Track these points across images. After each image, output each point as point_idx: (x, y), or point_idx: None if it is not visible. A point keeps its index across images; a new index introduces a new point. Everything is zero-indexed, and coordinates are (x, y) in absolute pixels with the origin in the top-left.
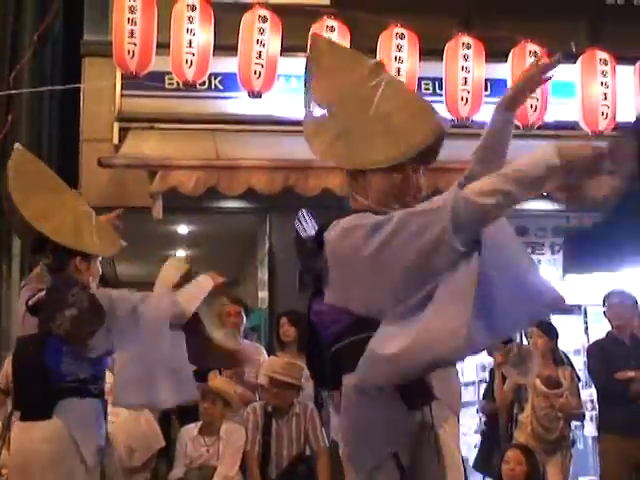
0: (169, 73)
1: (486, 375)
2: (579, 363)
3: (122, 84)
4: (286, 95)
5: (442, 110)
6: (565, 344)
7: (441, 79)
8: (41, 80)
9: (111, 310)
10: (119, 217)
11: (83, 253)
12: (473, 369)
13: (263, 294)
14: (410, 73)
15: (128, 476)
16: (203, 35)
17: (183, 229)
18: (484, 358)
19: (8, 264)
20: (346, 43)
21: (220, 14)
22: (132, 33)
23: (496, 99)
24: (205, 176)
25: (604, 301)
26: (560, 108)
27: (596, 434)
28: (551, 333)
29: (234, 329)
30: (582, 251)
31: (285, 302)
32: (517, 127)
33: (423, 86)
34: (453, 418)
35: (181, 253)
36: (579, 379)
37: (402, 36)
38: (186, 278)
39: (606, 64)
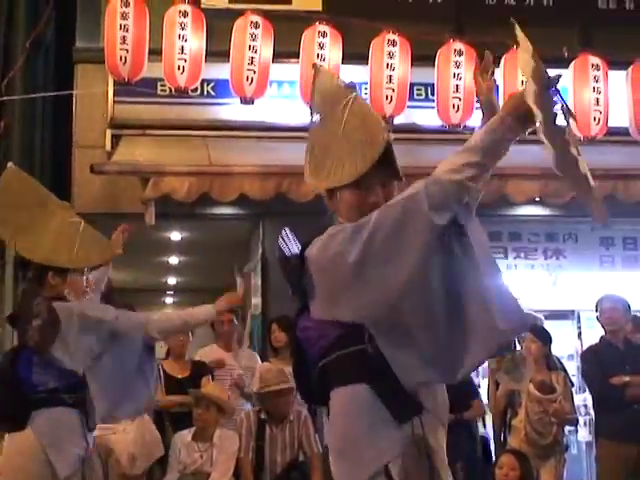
0: (161, 79)
1: (479, 381)
2: (572, 368)
3: (114, 91)
4: (278, 101)
5: (434, 116)
6: (558, 349)
7: (433, 85)
8: (34, 87)
9: (70, 324)
10: (125, 231)
11: (56, 268)
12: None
13: (256, 300)
14: (402, 79)
15: None
16: (195, 41)
17: (176, 235)
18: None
19: (2, 270)
20: (338, 49)
21: (212, 20)
22: (124, 40)
23: None
24: (198, 182)
25: (597, 306)
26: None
27: (590, 439)
28: (544, 338)
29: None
30: None
31: (278, 308)
32: None
33: (415, 92)
34: (442, 429)
35: (174, 260)
36: (572, 384)
37: (394, 42)
38: None
39: (598, 69)
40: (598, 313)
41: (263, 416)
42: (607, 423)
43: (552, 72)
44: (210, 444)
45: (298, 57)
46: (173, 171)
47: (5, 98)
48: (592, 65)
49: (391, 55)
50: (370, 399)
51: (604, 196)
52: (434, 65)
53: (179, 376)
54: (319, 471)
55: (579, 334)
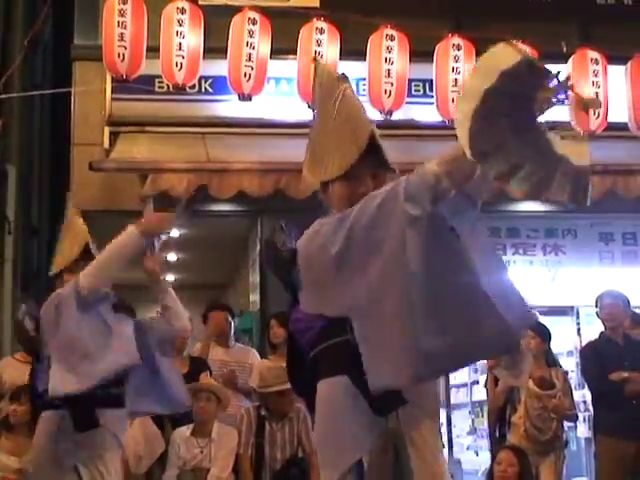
0: (159, 76)
1: (478, 377)
2: (572, 364)
3: (112, 88)
4: (276, 97)
5: (432, 112)
6: (557, 345)
7: (431, 81)
8: (32, 85)
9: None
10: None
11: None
12: (465, 371)
13: (254, 297)
14: (400, 75)
15: None
16: (193, 38)
17: (174, 232)
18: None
19: (0, 268)
20: (336, 45)
21: (210, 17)
22: (122, 37)
23: None
24: (196, 179)
25: (596, 302)
26: (552, 108)
27: (589, 435)
28: (544, 334)
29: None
30: None
31: (276, 304)
32: None
33: (413, 88)
34: (429, 421)
35: (172, 257)
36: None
37: (392, 37)
38: None
39: (597, 64)
40: (598, 309)
41: (263, 413)
42: (606, 419)
43: (552, 67)
44: (209, 439)
45: (296, 54)
46: (171, 168)
47: (3, 96)
48: (591, 60)
49: (389, 49)
50: (351, 391)
51: (604, 192)
52: (432, 60)
53: None
54: (318, 467)
55: (578, 330)
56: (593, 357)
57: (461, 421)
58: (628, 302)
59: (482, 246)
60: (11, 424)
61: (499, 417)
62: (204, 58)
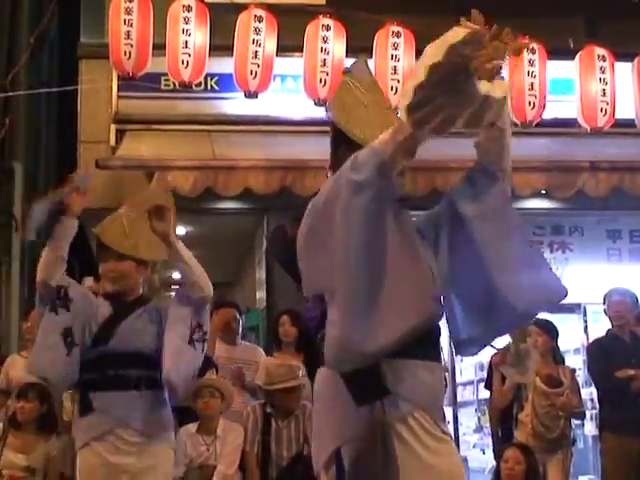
0: (165, 74)
1: (484, 374)
2: (578, 362)
3: (119, 85)
4: (282, 95)
5: None
6: (564, 343)
7: None
8: (38, 83)
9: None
10: None
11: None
12: (471, 368)
13: (261, 294)
14: (407, 71)
15: None
16: (199, 36)
17: (180, 230)
18: (483, 357)
19: (8, 266)
20: (342, 42)
21: (216, 14)
22: (128, 34)
23: None
24: (202, 177)
25: (604, 299)
26: (559, 105)
27: (596, 433)
28: (551, 332)
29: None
30: None
31: (283, 302)
32: (516, 125)
33: None
34: (420, 412)
35: None
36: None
37: (398, 34)
38: None
39: (604, 60)
40: (606, 306)
41: (269, 410)
42: (612, 416)
43: (559, 64)
44: (215, 436)
45: (302, 51)
46: (177, 166)
47: (10, 94)
48: (598, 56)
49: (395, 46)
50: (336, 380)
51: (611, 189)
52: None
53: None
54: None
55: (585, 328)
56: (600, 354)
57: (467, 419)
58: (636, 299)
59: (509, 230)
60: (18, 422)
61: (506, 415)
62: (210, 56)
